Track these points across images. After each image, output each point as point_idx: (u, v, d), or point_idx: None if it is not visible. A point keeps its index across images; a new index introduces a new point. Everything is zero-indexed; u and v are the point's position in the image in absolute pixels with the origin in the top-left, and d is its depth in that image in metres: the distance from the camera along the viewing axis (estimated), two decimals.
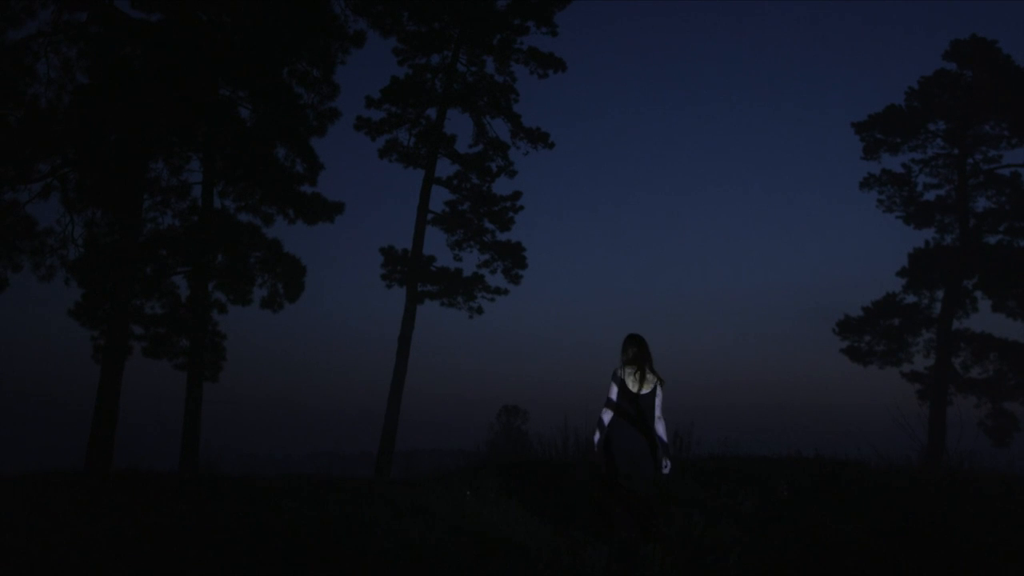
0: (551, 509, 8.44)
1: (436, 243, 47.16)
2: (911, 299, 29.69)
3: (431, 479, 11.66)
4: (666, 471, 6.58)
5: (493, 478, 10.40)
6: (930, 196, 30.56)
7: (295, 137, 19.96)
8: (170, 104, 17.59)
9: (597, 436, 6.69)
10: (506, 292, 24.52)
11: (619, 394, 6.53)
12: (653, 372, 6.59)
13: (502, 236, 24.54)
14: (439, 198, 24.76)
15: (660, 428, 6.56)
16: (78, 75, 17.56)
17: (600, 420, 6.64)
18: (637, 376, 6.53)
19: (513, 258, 24.44)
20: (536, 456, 13.16)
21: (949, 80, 29.97)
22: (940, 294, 29.29)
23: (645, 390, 6.51)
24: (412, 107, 24.44)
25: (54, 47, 17.26)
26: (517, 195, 24.56)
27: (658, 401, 6.56)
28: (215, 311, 20.05)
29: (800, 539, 6.85)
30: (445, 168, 24.76)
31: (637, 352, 6.60)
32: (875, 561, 6.22)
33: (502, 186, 25.03)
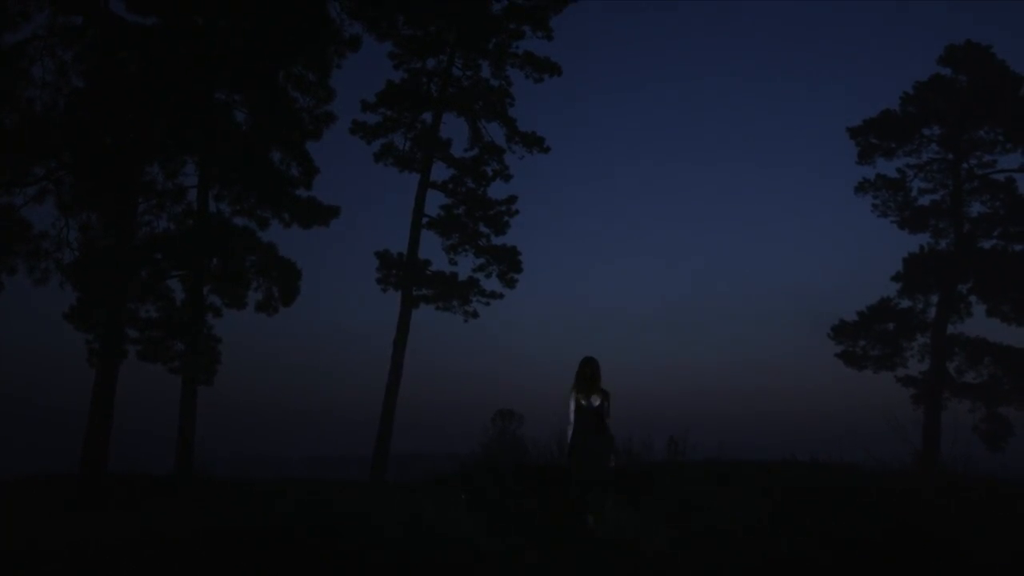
0: (541, 510, 8.45)
1: (431, 247, 46.82)
2: (906, 304, 29.65)
3: (426, 483, 11.65)
4: (612, 464, 7.92)
5: (487, 482, 10.40)
6: (925, 201, 30.53)
7: (290, 141, 19.93)
8: (165, 108, 17.57)
9: (568, 436, 7.92)
10: (501, 296, 24.55)
11: (575, 408, 7.78)
12: (600, 388, 7.79)
13: (497, 240, 24.56)
14: (434, 202, 24.75)
15: (609, 431, 7.81)
16: (73, 79, 17.54)
17: (566, 431, 7.94)
18: (587, 392, 7.75)
19: (508, 262, 24.45)
20: (531, 460, 13.14)
21: (944, 85, 29.99)
22: (935, 299, 29.25)
23: (595, 403, 7.72)
24: (407, 111, 24.44)
25: (49, 51, 17.21)
26: (512, 199, 24.58)
27: (606, 409, 7.77)
28: (210, 315, 20.01)
29: (794, 541, 6.86)
30: (440, 172, 24.77)
31: (589, 372, 7.79)
32: (870, 563, 6.24)
33: (497, 190, 24.99)
